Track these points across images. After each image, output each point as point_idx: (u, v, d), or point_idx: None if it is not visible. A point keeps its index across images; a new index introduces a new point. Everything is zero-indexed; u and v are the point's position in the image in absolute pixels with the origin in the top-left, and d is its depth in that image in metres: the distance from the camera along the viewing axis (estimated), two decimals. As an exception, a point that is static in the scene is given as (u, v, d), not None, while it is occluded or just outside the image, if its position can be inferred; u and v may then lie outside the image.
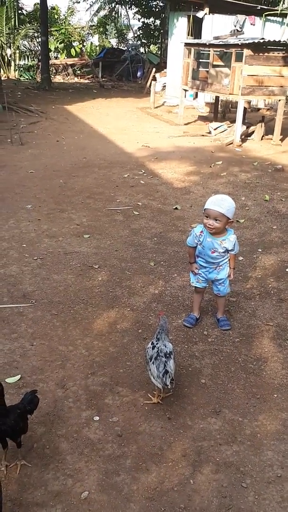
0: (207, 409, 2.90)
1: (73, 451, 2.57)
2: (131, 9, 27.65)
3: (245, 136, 11.02)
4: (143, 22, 26.74)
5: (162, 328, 2.91)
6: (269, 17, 15.42)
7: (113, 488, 2.38)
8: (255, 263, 4.85)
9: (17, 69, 22.69)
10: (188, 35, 15.83)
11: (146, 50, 27.24)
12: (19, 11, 23.49)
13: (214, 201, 3.31)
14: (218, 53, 11.35)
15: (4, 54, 22.11)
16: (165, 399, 2.95)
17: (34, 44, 24.80)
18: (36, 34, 23.52)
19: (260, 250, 5.15)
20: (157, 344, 2.85)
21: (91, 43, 29.70)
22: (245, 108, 10.96)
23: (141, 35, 27.51)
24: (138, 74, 23.66)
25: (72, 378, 3.12)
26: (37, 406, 2.53)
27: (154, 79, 18.37)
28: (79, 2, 28.33)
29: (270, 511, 2.30)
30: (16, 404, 2.46)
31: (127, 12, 29.30)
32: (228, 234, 3.42)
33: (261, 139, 11.06)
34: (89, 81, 22.96)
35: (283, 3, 14.51)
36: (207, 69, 11.55)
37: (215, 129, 11.50)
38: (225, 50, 11.03)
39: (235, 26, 14.81)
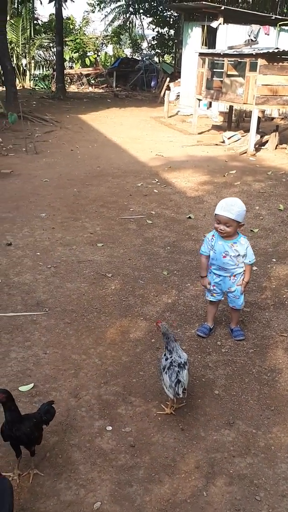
0: (220, 421, 2.88)
1: (85, 461, 2.57)
2: (147, 18, 27.86)
3: (259, 146, 11.01)
4: (158, 32, 26.94)
5: (167, 336, 2.88)
6: (283, 27, 15.43)
7: (126, 499, 2.36)
8: (270, 273, 4.82)
9: (32, 79, 23.00)
10: (202, 45, 15.90)
11: (160, 59, 27.40)
12: (35, 22, 23.86)
13: (224, 206, 3.32)
14: (232, 62, 11.39)
15: (19, 64, 22.41)
16: (178, 410, 2.94)
17: (49, 54, 25.11)
18: (51, 44, 23.82)
19: (274, 260, 5.12)
20: (170, 356, 2.83)
21: (106, 53, 29.96)
22: (259, 118, 10.95)
23: (155, 45, 27.72)
24: (152, 83, 23.79)
25: (85, 387, 3.11)
26: (53, 417, 2.53)
27: (168, 88, 18.47)
28: (94, 12, 28.69)
29: (285, 526, 2.27)
30: (32, 413, 2.47)
31: (141, 22, 29.61)
32: (239, 237, 3.44)
33: (275, 148, 11.03)
34: (103, 91, 23.13)
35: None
36: (221, 79, 11.59)
37: (229, 139, 11.50)
38: (239, 60, 11.07)
39: (249, 36, 14.85)
